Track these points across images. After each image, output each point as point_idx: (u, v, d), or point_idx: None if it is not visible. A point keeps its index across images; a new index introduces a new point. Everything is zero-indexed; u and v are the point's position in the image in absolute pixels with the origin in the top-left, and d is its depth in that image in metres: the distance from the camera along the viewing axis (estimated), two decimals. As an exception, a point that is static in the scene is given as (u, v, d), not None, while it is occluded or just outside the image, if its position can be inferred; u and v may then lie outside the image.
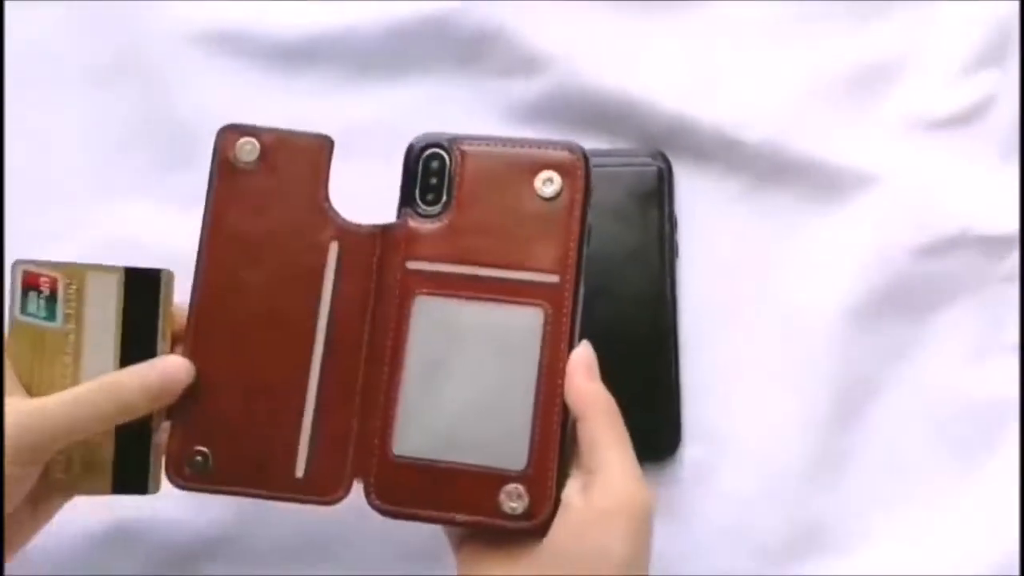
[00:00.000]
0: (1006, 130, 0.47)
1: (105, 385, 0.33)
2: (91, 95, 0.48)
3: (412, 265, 0.35)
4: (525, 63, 0.47)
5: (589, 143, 0.46)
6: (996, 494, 0.44)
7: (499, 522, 0.33)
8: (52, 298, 0.35)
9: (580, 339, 0.35)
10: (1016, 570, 0.43)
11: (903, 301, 0.45)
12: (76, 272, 0.35)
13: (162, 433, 0.35)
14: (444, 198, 0.36)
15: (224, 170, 0.36)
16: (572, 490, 0.33)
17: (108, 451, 0.35)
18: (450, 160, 0.36)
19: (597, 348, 0.43)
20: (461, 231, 0.35)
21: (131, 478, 0.35)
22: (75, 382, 0.35)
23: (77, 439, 0.33)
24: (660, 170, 0.45)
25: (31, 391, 0.35)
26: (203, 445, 0.35)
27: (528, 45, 0.47)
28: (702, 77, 0.47)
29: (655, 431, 0.44)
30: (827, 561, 0.43)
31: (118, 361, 0.35)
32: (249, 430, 0.35)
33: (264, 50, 0.48)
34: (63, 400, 0.33)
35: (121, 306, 0.35)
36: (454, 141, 0.36)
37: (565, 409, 0.34)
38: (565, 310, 0.35)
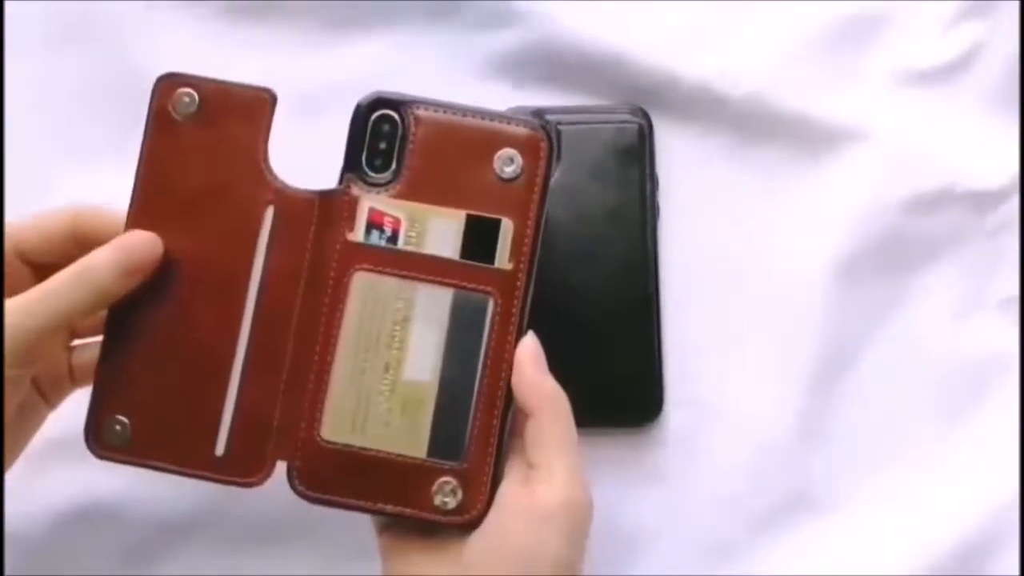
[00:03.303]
0: (992, 82, 0.46)
1: (76, 274, 0.32)
2: (45, 59, 0.46)
3: (352, 237, 0.34)
4: (500, 15, 0.46)
5: (567, 99, 0.46)
6: (984, 450, 0.44)
7: (429, 516, 0.32)
8: (393, 239, 0.33)
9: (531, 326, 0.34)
10: (1003, 529, 0.43)
11: (890, 257, 0.45)
12: (420, 215, 0.33)
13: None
14: (393, 166, 0.34)
15: (160, 121, 0.34)
16: (511, 485, 0.32)
17: (424, 415, 0.33)
18: (403, 124, 0.34)
19: (577, 311, 0.43)
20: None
21: (450, 448, 0.33)
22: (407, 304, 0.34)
23: (59, 330, 0.32)
24: (641, 127, 0.44)
25: None
26: (122, 414, 0.33)
27: (503, -4, 0.46)
28: (684, 31, 0.46)
29: (638, 396, 0.43)
30: (815, 522, 0.43)
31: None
32: (170, 401, 0.33)
33: (226, 4, 0.46)
34: (34, 298, 0.31)
35: (459, 251, 0.33)
36: (408, 104, 0.34)
37: (507, 403, 0.33)
38: (516, 299, 0.33)
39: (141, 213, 0.34)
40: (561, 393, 0.33)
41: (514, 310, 0.33)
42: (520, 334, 0.33)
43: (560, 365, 0.42)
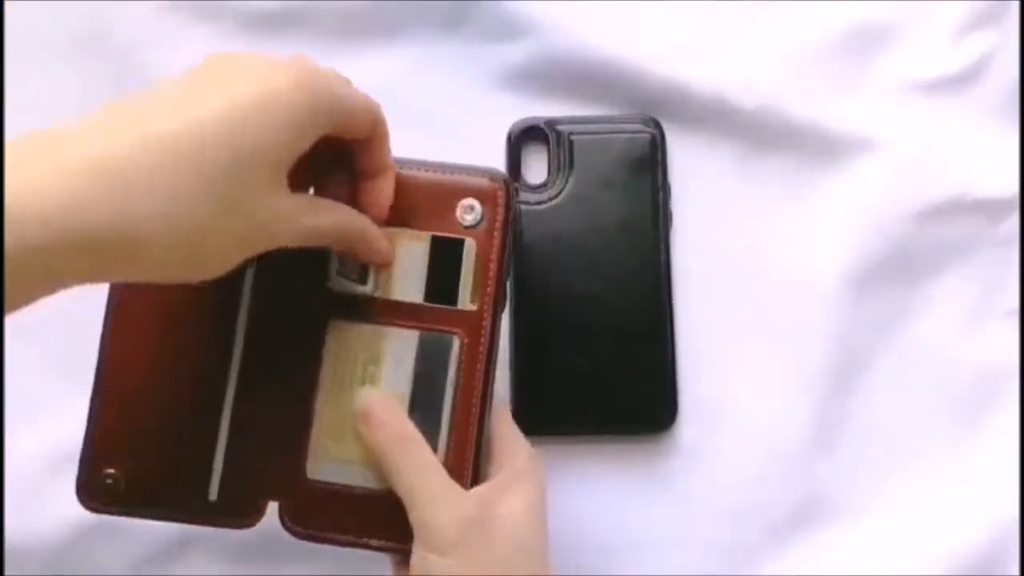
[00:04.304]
0: (1003, 91, 0.46)
1: (355, 231, 0.33)
2: (62, 73, 0.46)
3: (329, 286, 0.35)
4: (510, 26, 0.46)
5: (577, 109, 0.46)
6: (994, 459, 0.44)
7: (412, 547, 0.33)
8: (363, 277, 0.35)
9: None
10: (1014, 536, 0.43)
11: (901, 267, 0.45)
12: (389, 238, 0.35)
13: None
14: None
15: None
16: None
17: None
18: None
19: (591, 320, 0.43)
20: None
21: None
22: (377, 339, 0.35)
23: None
24: (653, 136, 0.44)
25: None
26: (115, 467, 0.34)
27: (513, 7, 0.46)
28: (694, 41, 0.46)
29: (652, 404, 0.43)
30: (826, 531, 0.43)
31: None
32: (162, 452, 0.34)
33: (241, 17, 0.46)
34: (331, 223, 0.32)
35: (427, 273, 0.35)
36: None
37: (479, 434, 0.34)
38: (483, 338, 0.35)
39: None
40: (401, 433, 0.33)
41: (481, 348, 0.35)
42: (491, 370, 0.35)
43: (574, 373, 0.42)
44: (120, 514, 0.34)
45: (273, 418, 0.35)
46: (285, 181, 0.30)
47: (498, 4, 0.46)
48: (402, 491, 0.32)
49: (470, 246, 0.35)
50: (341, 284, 0.35)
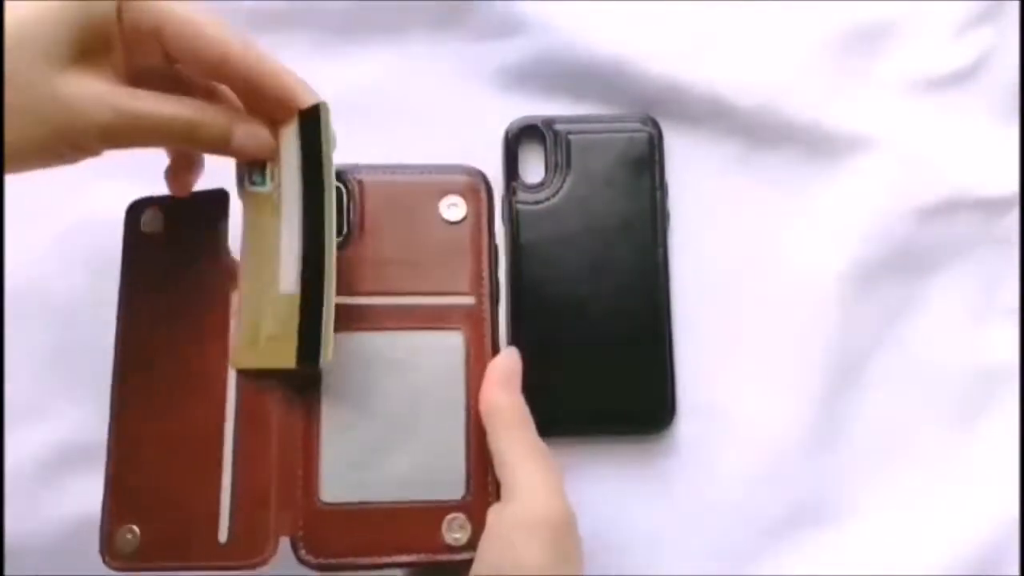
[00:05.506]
0: (1003, 90, 0.46)
1: (188, 120, 0.32)
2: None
3: None
4: (507, 24, 0.46)
5: (575, 108, 0.46)
6: (994, 459, 0.44)
7: (444, 556, 0.32)
8: (263, 165, 0.34)
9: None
10: (1013, 536, 0.43)
11: (900, 265, 0.45)
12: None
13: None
14: (345, 230, 0.35)
15: (134, 240, 0.36)
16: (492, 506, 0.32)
17: (294, 323, 0.33)
18: (347, 191, 0.35)
19: (589, 319, 0.43)
20: (367, 262, 0.35)
21: (309, 350, 0.32)
22: (278, 226, 0.33)
23: (142, 142, 0.32)
24: (650, 136, 0.44)
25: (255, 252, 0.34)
26: (132, 522, 0.33)
27: (511, 6, 0.46)
28: (693, 39, 0.46)
29: (649, 403, 0.43)
30: (826, 531, 0.43)
31: (302, 195, 0.33)
32: (170, 501, 0.33)
33: (237, 16, 0.46)
34: (151, 109, 0.31)
35: (299, 145, 0.33)
36: (350, 172, 0.36)
37: None
38: (485, 330, 0.34)
39: (128, 328, 0.35)
40: (514, 406, 0.33)
41: (485, 340, 0.34)
42: None
43: (572, 373, 0.42)
44: (138, 569, 0.33)
45: (276, 447, 0.34)
46: (83, 63, 0.30)
47: (496, 3, 0.46)
48: (501, 476, 0.32)
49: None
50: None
